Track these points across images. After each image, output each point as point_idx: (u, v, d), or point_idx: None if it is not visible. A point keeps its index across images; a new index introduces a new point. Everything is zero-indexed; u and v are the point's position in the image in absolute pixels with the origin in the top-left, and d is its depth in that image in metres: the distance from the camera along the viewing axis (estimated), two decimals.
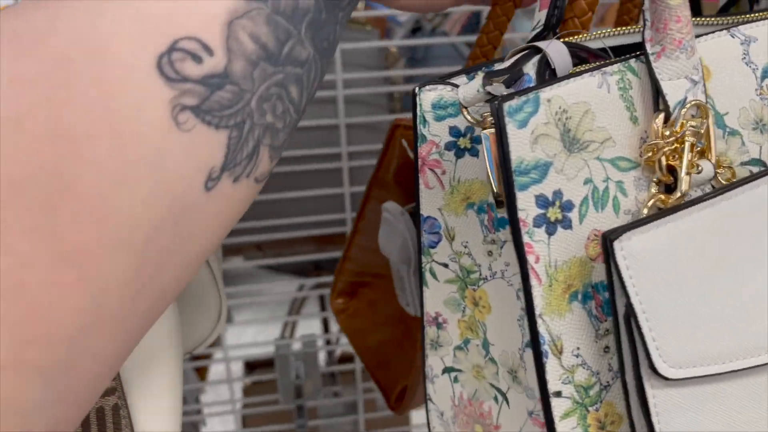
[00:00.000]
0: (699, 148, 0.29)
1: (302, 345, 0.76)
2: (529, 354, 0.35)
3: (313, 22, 0.20)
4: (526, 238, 0.27)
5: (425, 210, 0.36)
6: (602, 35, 0.34)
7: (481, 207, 0.35)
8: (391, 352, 0.49)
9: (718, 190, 0.27)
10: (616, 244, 0.25)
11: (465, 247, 0.36)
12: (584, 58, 0.32)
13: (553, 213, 0.27)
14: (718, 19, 0.34)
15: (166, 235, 0.18)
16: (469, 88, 0.28)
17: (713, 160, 0.29)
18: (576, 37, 0.33)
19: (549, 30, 0.34)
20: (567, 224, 0.27)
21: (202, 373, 0.88)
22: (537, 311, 0.27)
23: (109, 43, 0.17)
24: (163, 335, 0.27)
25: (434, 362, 0.41)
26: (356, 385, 0.75)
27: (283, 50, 0.19)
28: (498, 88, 0.26)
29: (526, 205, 0.27)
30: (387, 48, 0.74)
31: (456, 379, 0.40)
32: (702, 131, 0.28)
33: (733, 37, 0.31)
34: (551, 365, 0.28)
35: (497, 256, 0.35)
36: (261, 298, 0.80)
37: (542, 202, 0.27)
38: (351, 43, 0.61)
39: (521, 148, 0.26)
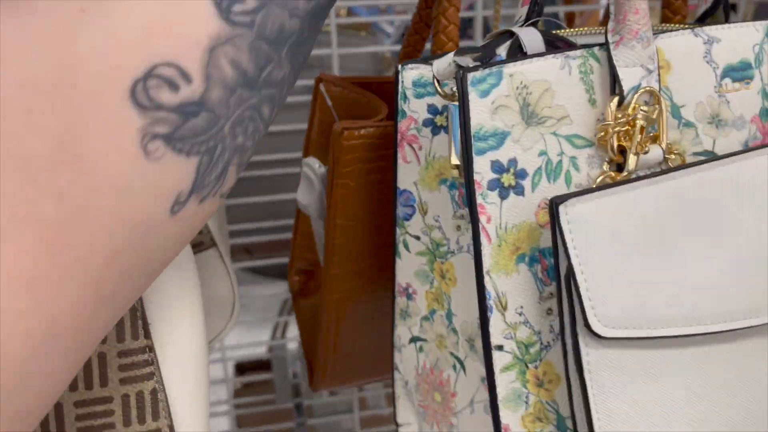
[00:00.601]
0: (652, 134, 0.31)
1: (299, 344, 0.77)
2: None
3: (294, 43, 0.19)
4: (479, 200, 0.29)
5: (402, 183, 0.39)
6: (585, 32, 0.36)
7: (453, 183, 0.37)
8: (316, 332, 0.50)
9: (664, 171, 0.29)
10: (561, 209, 0.27)
11: (436, 221, 0.39)
12: (560, 48, 0.34)
13: (507, 179, 0.29)
14: (695, 25, 0.37)
15: (127, 258, 0.18)
16: (443, 61, 0.31)
17: (663, 146, 0.31)
18: (565, 31, 0.36)
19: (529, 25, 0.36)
20: (519, 191, 0.29)
21: None
22: (485, 268, 0.29)
23: (81, 66, 0.16)
24: (193, 326, 0.28)
25: (402, 332, 0.43)
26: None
27: (262, 75, 0.19)
28: (465, 60, 0.29)
29: (482, 168, 0.29)
30: (381, 53, 0.77)
31: (421, 349, 0.42)
32: (654, 117, 0.30)
33: (696, 36, 0.33)
34: (495, 320, 0.30)
35: (465, 231, 0.38)
36: (248, 302, 0.80)
37: (497, 167, 0.29)
38: (347, 48, 0.62)
39: (481, 115, 0.28)
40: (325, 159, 0.43)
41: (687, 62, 0.33)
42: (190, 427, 0.27)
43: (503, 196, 0.29)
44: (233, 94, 0.18)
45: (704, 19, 0.41)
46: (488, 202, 0.29)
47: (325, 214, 0.42)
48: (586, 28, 0.37)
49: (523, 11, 0.36)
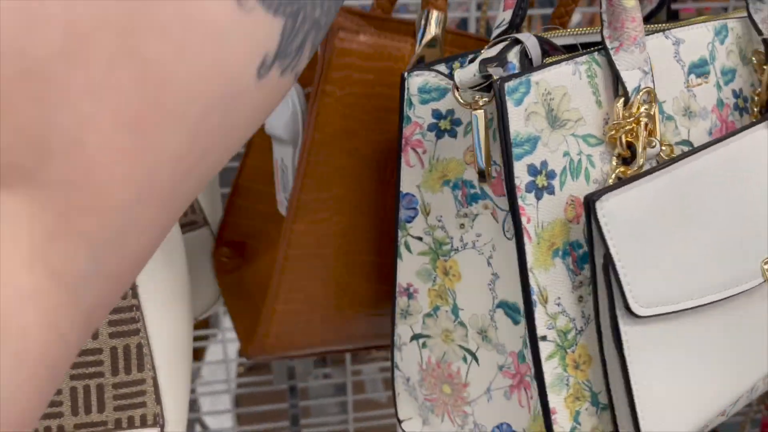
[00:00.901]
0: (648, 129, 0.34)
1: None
2: (499, 314, 0.39)
3: None
4: (520, 202, 0.31)
5: (404, 187, 0.40)
6: (561, 34, 0.39)
7: (456, 184, 0.39)
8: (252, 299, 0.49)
9: (672, 160, 0.32)
10: (597, 204, 0.30)
11: (439, 221, 0.40)
12: (546, 50, 0.37)
13: (541, 180, 0.31)
14: (664, 27, 0.41)
15: (217, 117, 0.18)
16: (467, 72, 0.32)
17: (658, 138, 0.34)
18: (549, 33, 0.38)
19: (513, 28, 0.38)
20: (551, 190, 0.32)
21: (198, 354, 0.88)
22: (528, 265, 0.31)
23: None
24: (176, 288, 0.31)
25: (403, 330, 0.44)
26: (345, 368, 0.78)
27: None
28: (497, 71, 0.30)
29: (521, 173, 0.31)
30: None
31: (424, 345, 0.43)
32: (652, 113, 0.34)
33: (666, 38, 0.37)
34: (539, 313, 0.32)
35: (469, 228, 0.39)
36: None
37: (532, 170, 0.31)
38: None
39: (517, 123, 0.30)
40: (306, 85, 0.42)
41: (663, 62, 0.37)
42: (171, 380, 0.30)
43: (539, 197, 0.31)
44: None
45: (649, 19, 0.46)
46: (527, 204, 0.31)
47: (296, 136, 0.42)
48: (561, 30, 0.40)
49: (505, 15, 0.38)
